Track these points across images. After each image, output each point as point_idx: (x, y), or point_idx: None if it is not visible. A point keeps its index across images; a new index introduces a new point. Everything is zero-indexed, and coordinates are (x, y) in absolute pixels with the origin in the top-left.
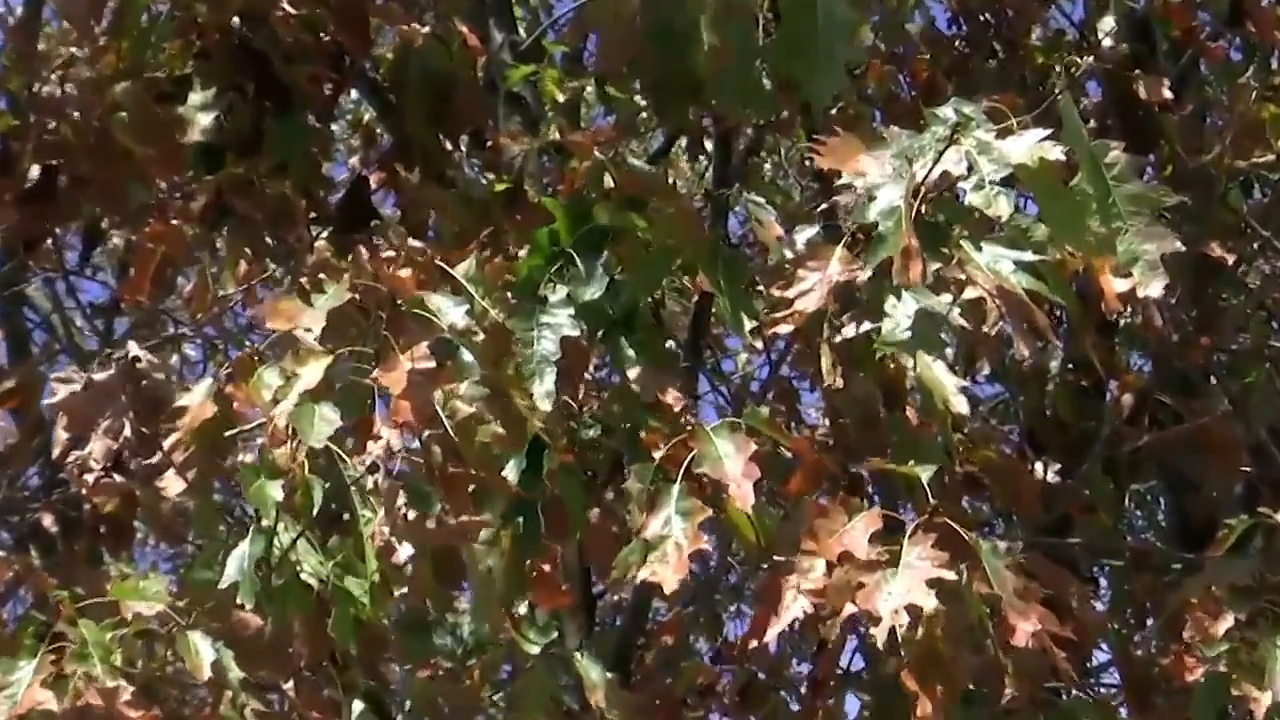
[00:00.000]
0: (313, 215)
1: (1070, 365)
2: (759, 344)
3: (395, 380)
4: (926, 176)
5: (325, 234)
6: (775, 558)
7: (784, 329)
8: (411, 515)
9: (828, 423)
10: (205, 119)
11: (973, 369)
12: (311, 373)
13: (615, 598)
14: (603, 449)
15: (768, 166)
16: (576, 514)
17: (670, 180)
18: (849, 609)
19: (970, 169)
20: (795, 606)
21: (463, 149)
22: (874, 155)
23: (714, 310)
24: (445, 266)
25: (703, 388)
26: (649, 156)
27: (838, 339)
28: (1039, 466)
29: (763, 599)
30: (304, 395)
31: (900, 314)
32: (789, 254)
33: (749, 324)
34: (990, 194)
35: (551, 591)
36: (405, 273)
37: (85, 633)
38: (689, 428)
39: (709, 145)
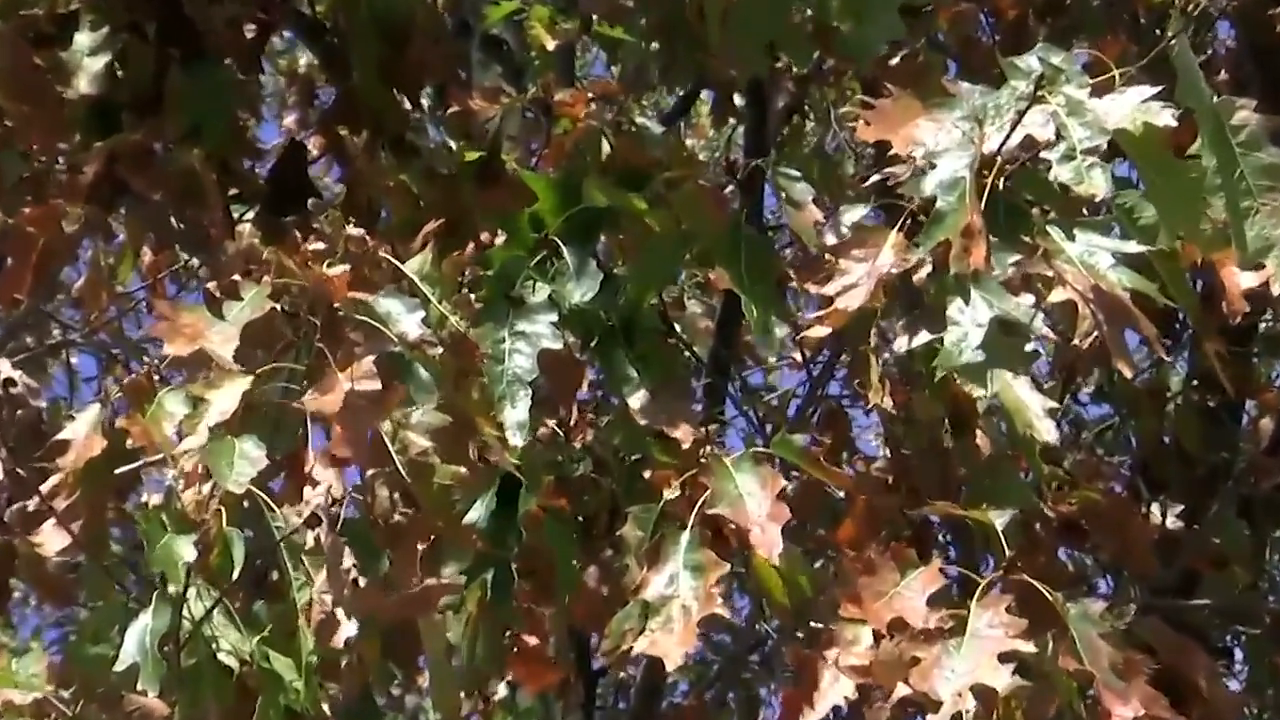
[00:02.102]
0: (234, 192)
1: (1195, 381)
2: (798, 355)
3: (331, 406)
4: (1003, 143)
5: (251, 215)
6: (812, 625)
7: (819, 332)
8: (361, 581)
9: (887, 454)
10: (95, 66)
11: (1072, 385)
12: (225, 398)
13: (621, 675)
14: (598, 490)
15: (811, 129)
16: (564, 570)
17: (688, 147)
18: (901, 690)
19: (1058, 134)
20: (835, 690)
21: (424, 107)
22: (935, 118)
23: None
24: (394, 260)
25: (730, 412)
26: (663, 116)
27: (890, 352)
28: (1156, 509)
29: (796, 678)
30: (217, 427)
31: (969, 323)
32: (830, 240)
33: (779, 330)
34: (1082, 166)
35: (536, 667)
36: (342, 269)
37: None
38: (704, 461)
39: (740, 102)
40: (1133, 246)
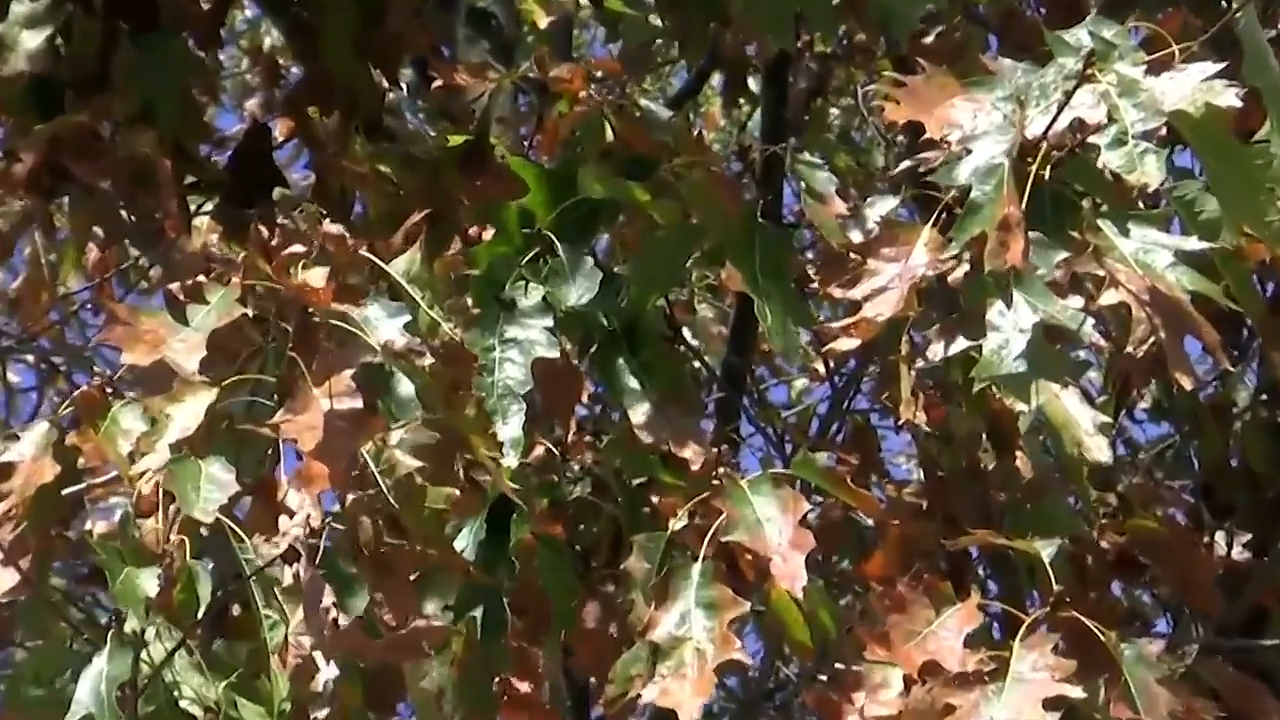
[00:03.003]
0: (190, 181)
1: (1264, 396)
2: (820, 365)
3: (306, 424)
4: (1049, 127)
5: (209, 207)
6: (836, 667)
7: (846, 344)
8: (342, 621)
9: (919, 477)
10: (34, 40)
11: (1126, 400)
12: (188, 414)
13: None
14: (598, 516)
15: (836, 113)
16: (560, 607)
17: (697, 133)
18: None
19: (1110, 117)
20: None
21: (403, 87)
22: (973, 99)
23: None
24: (376, 260)
25: (746, 429)
26: (669, 99)
27: (925, 360)
28: (1220, 538)
29: None
30: (179, 446)
31: (1010, 328)
32: (856, 236)
33: (798, 337)
34: (1135, 152)
35: (529, 716)
36: (320, 270)
37: None
38: (717, 483)
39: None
40: (1193, 243)
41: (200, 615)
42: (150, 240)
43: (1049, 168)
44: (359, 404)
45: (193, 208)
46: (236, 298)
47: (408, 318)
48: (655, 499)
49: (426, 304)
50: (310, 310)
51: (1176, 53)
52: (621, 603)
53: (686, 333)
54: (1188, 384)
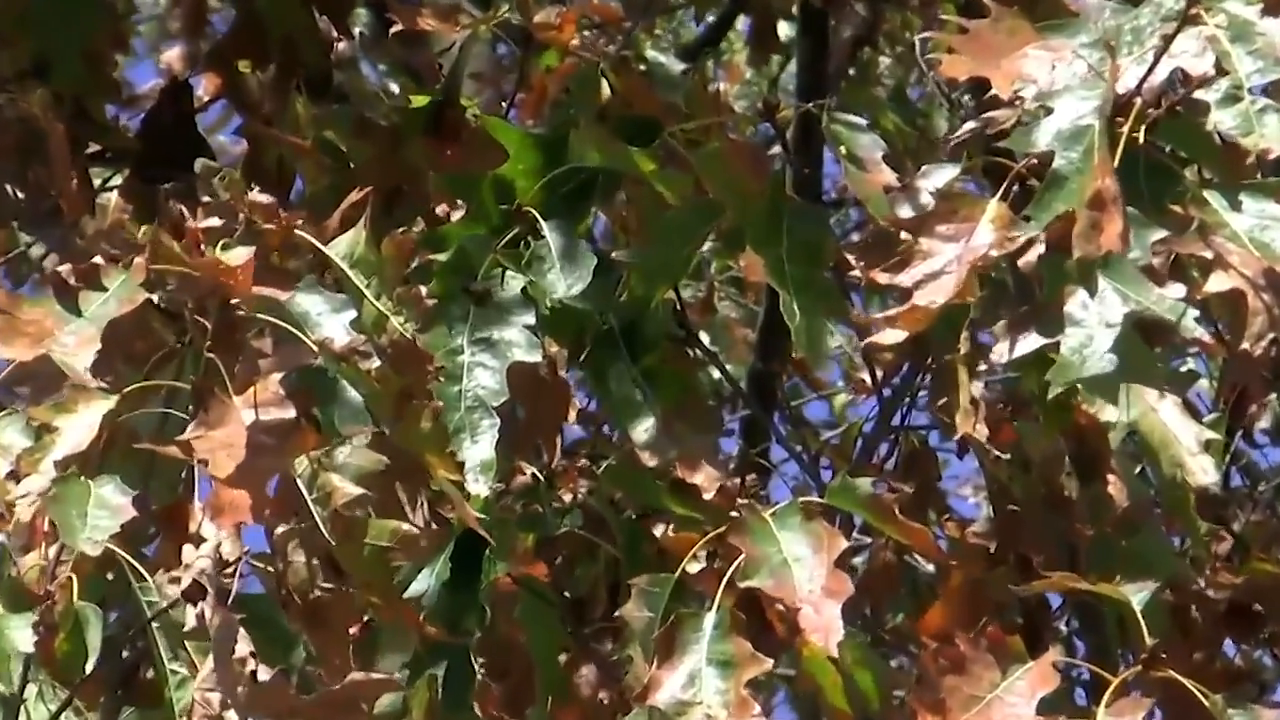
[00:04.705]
0: (94, 149)
1: None
2: (867, 375)
3: (222, 441)
4: (1143, 80)
5: (118, 182)
6: None
7: (891, 337)
8: (262, 673)
9: (989, 512)
10: None
11: (1243, 418)
12: (80, 426)
13: None
14: (591, 555)
15: (888, 65)
16: (545, 665)
17: (716, 90)
18: None
19: (1219, 67)
20: None
21: (356, 36)
22: (1049, 47)
23: None
24: (315, 240)
25: (778, 454)
26: (684, 49)
27: (989, 364)
28: None
29: None
30: (68, 465)
31: (1096, 322)
32: (908, 212)
33: (833, 339)
34: (1252, 111)
35: None
36: (244, 250)
37: None
38: (736, 515)
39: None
40: None
41: (91, 670)
42: (44, 222)
43: (1143, 129)
44: (289, 415)
45: (97, 182)
46: (142, 284)
47: (354, 313)
48: (661, 534)
49: (373, 293)
50: (234, 302)
51: None
52: (619, 659)
53: (704, 337)
54: None
